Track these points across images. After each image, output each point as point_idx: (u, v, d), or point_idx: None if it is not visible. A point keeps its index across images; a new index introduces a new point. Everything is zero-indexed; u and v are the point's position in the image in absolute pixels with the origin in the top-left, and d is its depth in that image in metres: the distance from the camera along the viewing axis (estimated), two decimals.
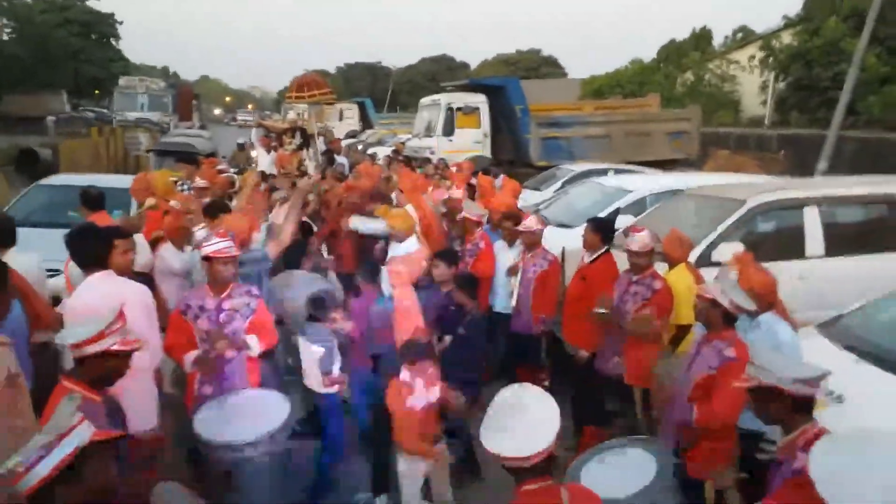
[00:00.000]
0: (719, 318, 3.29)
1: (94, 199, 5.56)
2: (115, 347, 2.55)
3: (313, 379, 4.19)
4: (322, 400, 4.29)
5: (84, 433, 1.81)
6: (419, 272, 4.39)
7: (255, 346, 3.81)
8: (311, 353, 4.16)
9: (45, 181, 8.69)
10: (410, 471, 3.64)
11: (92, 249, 3.53)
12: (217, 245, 3.69)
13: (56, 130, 22.74)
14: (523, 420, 2.14)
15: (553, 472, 2.21)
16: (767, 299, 3.78)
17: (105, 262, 3.55)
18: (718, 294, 3.25)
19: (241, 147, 15.66)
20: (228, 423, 3.35)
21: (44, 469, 1.72)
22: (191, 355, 3.66)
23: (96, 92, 43.65)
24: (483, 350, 4.79)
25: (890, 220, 6.06)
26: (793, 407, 2.42)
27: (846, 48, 21.33)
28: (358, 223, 6.14)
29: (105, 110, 32.84)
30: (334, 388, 4.19)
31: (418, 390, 3.53)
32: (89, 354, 2.53)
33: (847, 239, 6.00)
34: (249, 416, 3.40)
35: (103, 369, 2.58)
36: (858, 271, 5.59)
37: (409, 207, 6.30)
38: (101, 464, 1.85)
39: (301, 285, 4.34)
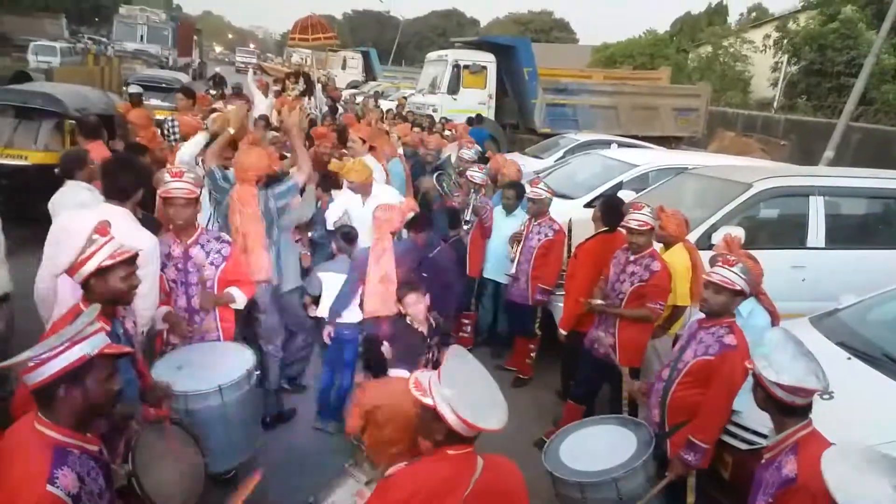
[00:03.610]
0: (735, 306, 3.23)
1: (90, 127, 5.39)
2: (108, 262, 2.48)
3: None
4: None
5: (96, 343, 1.91)
6: (400, 222, 4.37)
7: (240, 298, 3.69)
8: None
9: None
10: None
11: (123, 181, 3.35)
12: (173, 184, 3.44)
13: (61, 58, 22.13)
14: (486, 392, 2.10)
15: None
16: (754, 287, 3.74)
17: (126, 200, 3.35)
18: (740, 282, 3.17)
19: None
20: (183, 371, 3.25)
21: (51, 368, 1.83)
22: (161, 310, 3.51)
23: (96, 19, 42.53)
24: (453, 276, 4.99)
25: (893, 215, 5.98)
26: (776, 406, 2.38)
27: (863, 34, 21.01)
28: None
29: (104, 39, 32.04)
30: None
31: None
32: (87, 276, 2.49)
33: (849, 231, 5.94)
34: (206, 367, 3.31)
35: (106, 290, 2.50)
36: (858, 265, 5.53)
37: (368, 158, 6.27)
38: (103, 375, 1.93)
39: None
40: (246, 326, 4.20)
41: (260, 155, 4.39)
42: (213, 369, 3.29)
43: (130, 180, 3.37)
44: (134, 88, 9.31)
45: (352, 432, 3.16)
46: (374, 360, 3.53)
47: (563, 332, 4.85)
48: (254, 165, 4.19)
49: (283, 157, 5.56)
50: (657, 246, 4.53)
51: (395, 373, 3.34)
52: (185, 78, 14.23)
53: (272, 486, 3.83)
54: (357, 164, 5.48)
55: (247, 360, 3.39)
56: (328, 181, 5.99)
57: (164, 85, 12.99)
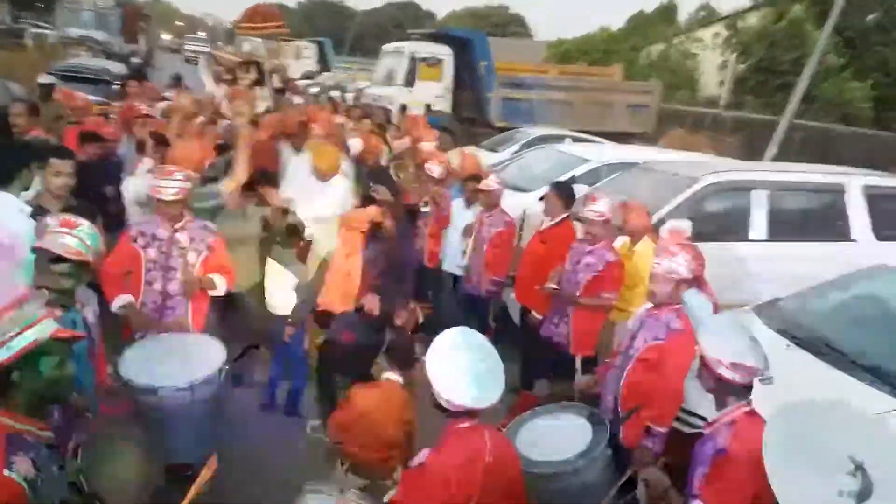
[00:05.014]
0: (681, 293, 3.35)
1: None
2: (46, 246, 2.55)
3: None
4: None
5: (46, 328, 1.91)
6: (368, 227, 4.34)
7: (221, 284, 3.72)
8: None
9: None
10: None
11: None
12: (165, 184, 3.50)
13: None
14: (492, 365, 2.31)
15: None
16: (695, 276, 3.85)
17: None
18: (684, 270, 3.29)
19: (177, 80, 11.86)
20: (153, 364, 3.19)
21: (2, 355, 1.82)
22: (121, 299, 3.46)
23: (41, 5, 40.73)
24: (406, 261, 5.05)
25: (835, 209, 6.21)
26: (719, 385, 2.49)
27: (809, 33, 21.71)
28: None
29: (47, 25, 30.74)
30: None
31: None
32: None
33: (791, 225, 6.16)
34: (177, 362, 3.25)
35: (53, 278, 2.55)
36: (799, 257, 5.74)
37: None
38: (56, 361, 1.93)
39: None
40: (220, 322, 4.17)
41: (192, 148, 4.35)
42: (184, 363, 3.24)
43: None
44: (44, 79, 8.25)
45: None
46: (403, 354, 3.42)
47: (537, 316, 4.88)
48: (186, 158, 4.16)
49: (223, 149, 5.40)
50: (623, 240, 4.63)
51: (386, 376, 3.33)
52: (115, 68, 12.79)
53: (232, 485, 3.77)
54: (329, 149, 5.41)
55: (218, 356, 3.35)
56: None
57: (91, 76, 11.45)
